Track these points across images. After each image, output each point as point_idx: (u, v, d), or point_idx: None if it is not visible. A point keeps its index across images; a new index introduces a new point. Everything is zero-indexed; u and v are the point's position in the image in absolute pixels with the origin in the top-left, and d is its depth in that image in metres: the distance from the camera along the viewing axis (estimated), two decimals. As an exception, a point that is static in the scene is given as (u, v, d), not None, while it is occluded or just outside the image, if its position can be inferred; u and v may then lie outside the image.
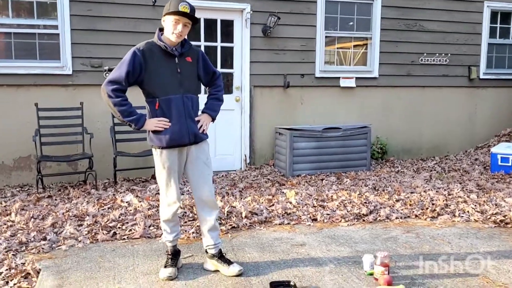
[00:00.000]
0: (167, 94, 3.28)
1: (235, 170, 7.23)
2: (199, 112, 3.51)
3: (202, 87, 3.94)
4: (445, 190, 5.96)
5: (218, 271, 3.52)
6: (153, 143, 3.37)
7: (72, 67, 6.33)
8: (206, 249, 3.57)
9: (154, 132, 3.32)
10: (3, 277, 3.43)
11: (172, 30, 3.22)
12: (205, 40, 6.98)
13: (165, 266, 3.49)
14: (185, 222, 4.64)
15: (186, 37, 3.37)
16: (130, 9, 6.50)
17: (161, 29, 3.36)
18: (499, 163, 7.09)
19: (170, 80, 3.29)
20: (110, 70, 6.40)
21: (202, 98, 3.58)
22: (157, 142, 3.33)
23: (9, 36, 6.21)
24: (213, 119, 3.57)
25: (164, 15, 3.25)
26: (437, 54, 8.19)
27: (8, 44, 6.22)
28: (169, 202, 3.42)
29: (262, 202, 5.30)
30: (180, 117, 3.30)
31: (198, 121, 3.42)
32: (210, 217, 3.46)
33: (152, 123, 3.31)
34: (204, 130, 3.44)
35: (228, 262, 3.51)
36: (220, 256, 3.53)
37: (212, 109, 3.56)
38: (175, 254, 3.57)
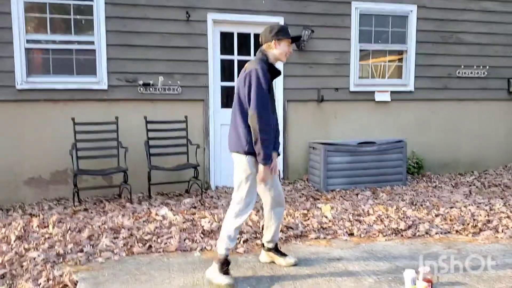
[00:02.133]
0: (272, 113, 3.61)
1: (268, 185, 7.16)
2: None
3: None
4: (486, 205, 5.76)
5: (273, 262, 3.91)
6: (245, 149, 3.51)
7: (107, 82, 6.43)
8: (263, 243, 3.93)
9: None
10: (41, 288, 3.45)
11: (286, 52, 3.63)
12: (238, 54, 7.00)
13: (224, 273, 3.52)
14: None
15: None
16: (164, 24, 6.58)
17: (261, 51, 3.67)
18: (543, 178, 6.83)
19: (271, 100, 3.61)
20: (145, 84, 6.49)
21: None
22: (251, 149, 3.49)
23: (47, 52, 6.37)
24: None
25: (279, 40, 3.57)
26: (475, 67, 8.00)
27: (46, 60, 6.38)
28: (248, 208, 3.58)
29: (297, 217, 5.22)
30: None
31: None
32: (282, 214, 3.88)
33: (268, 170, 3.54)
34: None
35: (284, 255, 3.91)
36: (277, 249, 3.92)
37: None
38: (229, 262, 3.61)
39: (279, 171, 3.91)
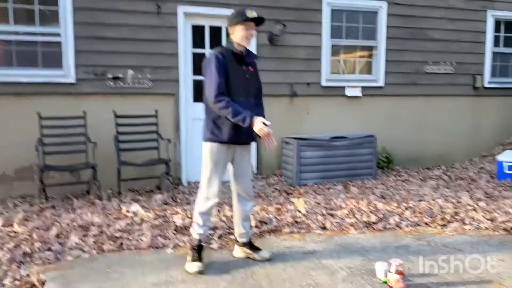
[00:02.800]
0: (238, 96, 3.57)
1: (241, 180, 7.13)
2: None
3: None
4: (453, 198, 5.89)
5: (248, 258, 3.88)
6: (210, 136, 3.58)
7: (75, 76, 6.25)
8: (237, 238, 3.91)
9: (217, 127, 3.55)
10: (7, 288, 3.34)
11: (245, 36, 3.62)
12: (210, 47, 6.91)
13: (193, 261, 3.60)
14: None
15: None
16: (134, 17, 6.45)
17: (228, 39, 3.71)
18: (506, 171, 7.03)
19: (242, 83, 3.62)
20: (114, 78, 6.35)
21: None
22: (214, 137, 3.57)
23: (10, 44, 6.14)
24: None
25: (233, 26, 3.61)
26: (442, 63, 8.15)
27: (9, 52, 6.15)
28: (210, 196, 3.64)
29: (271, 211, 5.21)
30: None
31: None
32: (248, 208, 3.85)
33: (259, 121, 3.51)
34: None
35: (258, 249, 3.89)
36: (251, 244, 3.90)
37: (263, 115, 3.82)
38: (201, 249, 3.71)
39: (251, 165, 3.92)
